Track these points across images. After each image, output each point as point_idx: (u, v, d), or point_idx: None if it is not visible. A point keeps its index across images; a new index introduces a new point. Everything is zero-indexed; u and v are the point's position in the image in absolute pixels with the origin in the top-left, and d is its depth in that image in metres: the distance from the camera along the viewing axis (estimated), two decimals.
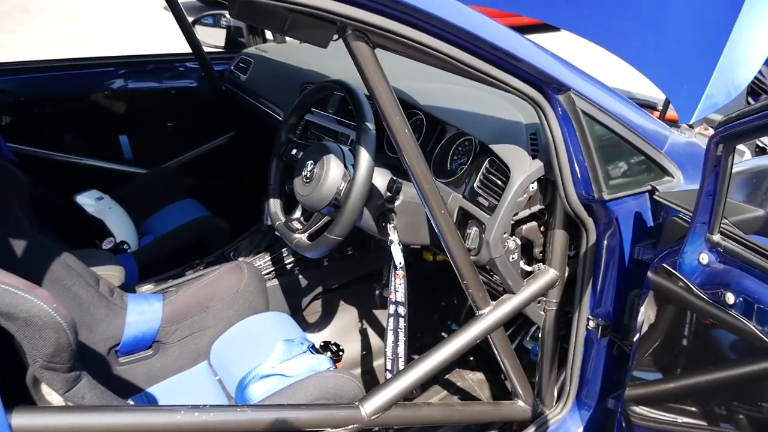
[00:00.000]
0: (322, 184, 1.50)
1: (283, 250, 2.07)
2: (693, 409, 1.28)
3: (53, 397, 1.06)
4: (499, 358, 1.55)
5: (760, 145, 2.06)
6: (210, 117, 2.75)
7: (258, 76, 2.49)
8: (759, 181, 1.25)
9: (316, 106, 1.78)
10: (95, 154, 2.55)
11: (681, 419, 1.32)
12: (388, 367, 1.62)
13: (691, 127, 1.84)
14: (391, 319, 1.59)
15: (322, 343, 1.97)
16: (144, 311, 1.67)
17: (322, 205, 1.52)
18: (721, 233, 1.18)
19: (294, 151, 1.69)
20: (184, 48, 2.60)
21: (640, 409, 1.41)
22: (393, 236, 1.54)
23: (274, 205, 1.73)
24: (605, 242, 1.46)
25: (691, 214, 1.29)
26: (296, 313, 2.10)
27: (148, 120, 2.64)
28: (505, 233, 1.42)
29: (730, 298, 1.12)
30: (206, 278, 1.77)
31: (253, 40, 2.75)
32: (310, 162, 1.56)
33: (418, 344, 2.28)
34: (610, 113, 1.36)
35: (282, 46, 2.68)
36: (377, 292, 2.28)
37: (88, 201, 2.14)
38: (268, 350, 1.67)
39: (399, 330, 1.59)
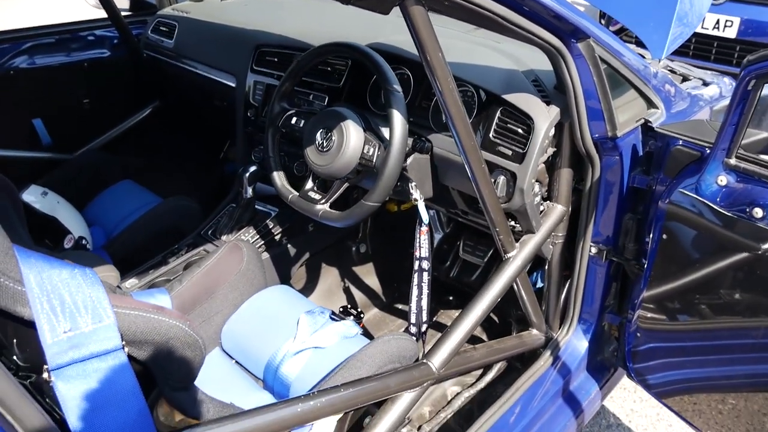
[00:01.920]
0: (344, 152, 1.48)
1: (268, 221, 2.01)
2: (708, 315, 1.46)
3: (172, 419, 1.01)
4: (519, 294, 1.65)
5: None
6: (129, 88, 2.54)
7: (188, 40, 2.33)
8: (763, 108, 1.41)
9: (307, 72, 1.71)
10: (8, 143, 2.27)
11: (693, 324, 1.50)
12: (412, 320, 1.67)
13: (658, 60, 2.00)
14: (416, 275, 1.63)
15: (341, 309, 1.97)
16: None
17: (345, 173, 1.51)
18: (738, 156, 1.33)
19: (294, 120, 1.64)
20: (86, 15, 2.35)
21: (653, 317, 1.58)
22: (415, 194, 1.56)
23: (280, 178, 1.68)
24: (608, 175, 1.58)
25: (698, 145, 1.44)
26: (285, 282, 2.07)
27: (61, 99, 2.38)
28: (533, 180, 1.49)
29: (758, 212, 1.28)
30: (207, 263, 1.69)
31: (166, 1, 2.53)
32: (322, 130, 1.53)
33: (396, 293, 2.35)
34: (618, 57, 1.45)
35: (203, 5, 2.50)
36: (353, 248, 2.29)
37: (33, 198, 1.93)
38: (289, 326, 1.65)
39: (423, 284, 1.64)
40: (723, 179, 1.35)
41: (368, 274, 2.35)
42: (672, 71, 2.22)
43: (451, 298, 2.30)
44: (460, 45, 1.75)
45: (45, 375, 0.78)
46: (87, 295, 0.83)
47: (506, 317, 2.11)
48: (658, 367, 1.65)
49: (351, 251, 2.30)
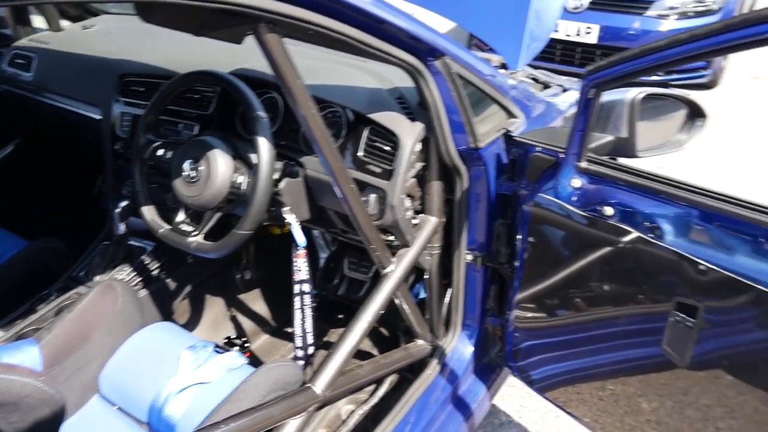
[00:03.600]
0: (213, 181, 1.46)
1: (144, 257, 1.94)
2: (578, 307, 1.55)
3: None
4: (401, 307, 1.68)
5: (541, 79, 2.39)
6: None
7: (48, 72, 2.21)
8: (606, 112, 1.51)
9: (171, 102, 1.67)
10: None
11: (565, 318, 1.58)
12: (298, 344, 1.67)
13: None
14: (298, 298, 1.63)
15: (225, 340, 1.92)
16: (21, 361, 1.48)
17: (216, 203, 1.48)
18: (587, 160, 1.42)
19: (161, 152, 1.59)
20: None
21: (528, 316, 1.65)
22: (290, 218, 1.56)
23: (150, 212, 1.63)
24: (475, 185, 1.64)
25: (553, 150, 1.53)
26: (168, 318, 2.00)
27: None
28: (402, 195, 1.53)
29: (608, 210, 1.38)
30: (78, 307, 1.61)
31: (23, 31, 2.40)
32: (189, 161, 1.50)
33: (285, 318, 2.32)
34: (475, 72, 1.52)
35: (63, 35, 2.39)
36: (238, 276, 2.25)
37: None
38: (171, 364, 1.60)
39: (305, 307, 1.64)
40: (576, 182, 1.43)
41: (255, 301, 2.31)
42: (535, 79, 2.34)
43: (340, 316, 2.31)
44: (326, 66, 1.76)
45: None
46: None
47: (395, 330, 2.14)
48: (539, 362, 1.72)
49: (235, 279, 2.26)
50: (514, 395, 2.33)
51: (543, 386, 1.74)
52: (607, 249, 1.42)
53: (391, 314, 2.03)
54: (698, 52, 1.08)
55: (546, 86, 2.32)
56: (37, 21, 2.48)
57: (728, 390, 1.30)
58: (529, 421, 2.22)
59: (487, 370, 1.94)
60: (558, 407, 1.72)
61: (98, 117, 2.05)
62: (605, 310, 1.50)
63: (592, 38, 4.74)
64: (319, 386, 1.38)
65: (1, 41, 2.43)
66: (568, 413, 1.70)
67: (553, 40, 4.82)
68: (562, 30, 4.78)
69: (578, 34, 4.76)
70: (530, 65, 2.47)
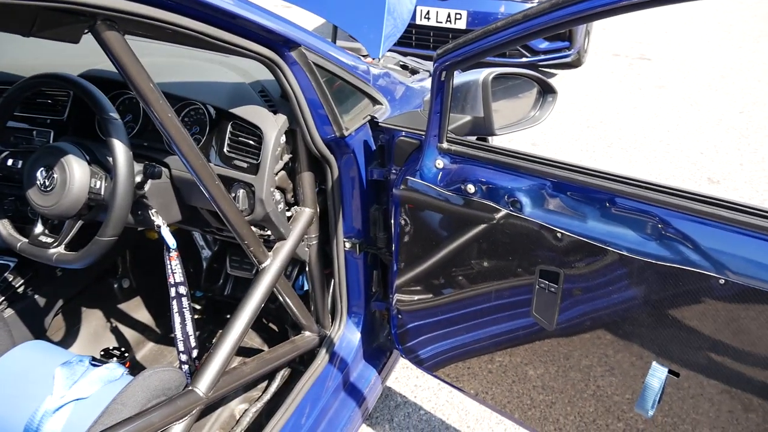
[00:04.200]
0: (70, 189, 1.39)
1: (6, 274, 1.82)
2: (454, 284, 1.61)
3: None
4: (283, 300, 1.68)
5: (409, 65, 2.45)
6: None
7: None
8: (462, 94, 1.57)
9: (14, 110, 1.57)
10: None
11: (445, 297, 1.64)
12: (180, 348, 1.63)
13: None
14: (175, 302, 1.59)
15: (102, 352, 1.84)
16: None
17: (75, 211, 1.42)
18: (448, 140, 1.47)
19: (10, 162, 1.50)
20: None
21: (409, 299, 1.70)
22: (158, 221, 1.52)
23: (4, 226, 1.53)
24: (346, 173, 1.66)
25: (417, 134, 1.57)
26: (41, 336, 1.89)
27: None
28: (271, 188, 1.52)
29: (471, 188, 1.43)
30: None
31: None
32: (42, 168, 1.42)
33: (169, 323, 2.25)
34: (333, 61, 1.53)
35: None
36: (116, 285, 2.16)
37: None
38: (45, 384, 1.52)
39: (184, 309, 1.60)
40: (440, 162, 1.48)
41: (136, 309, 2.24)
42: (404, 66, 2.39)
43: (228, 316, 2.27)
44: (183, 62, 1.72)
45: None
46: None
47: (283, 324, 2.14)
48: (425, 342, 1.77)
49: (113, 288, 2.17)
50: (408, 376, 2.38)
51: (432, 365, 1.79)
52: (474, 225, 1.48)
53: (278, 309, 2.03)
54: (532, 30, 1.14)
55: (414, 72, 2.38)
56: None
57: (606, 349, 1.39)
58: (423, 399, 2.29)
59: (378, 355, 1.97)
60: (447, 384, 1.78)
61: None
62: (480, 284, 1.56)
63: (462, 24, 4.89)
64: (202, 387, 1.36)
65: None
66: (458, 389, 1.76)
67: (425, 27, 4.93)
68: (432, 17, 4.90)
69: (449, 20, 4.89)
70: (403, 53, 2.53)
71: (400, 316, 1.76)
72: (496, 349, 1.66)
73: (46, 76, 1.47)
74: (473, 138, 1.61)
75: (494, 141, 2.20)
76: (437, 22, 4.92)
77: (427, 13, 4.87)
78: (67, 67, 1.58)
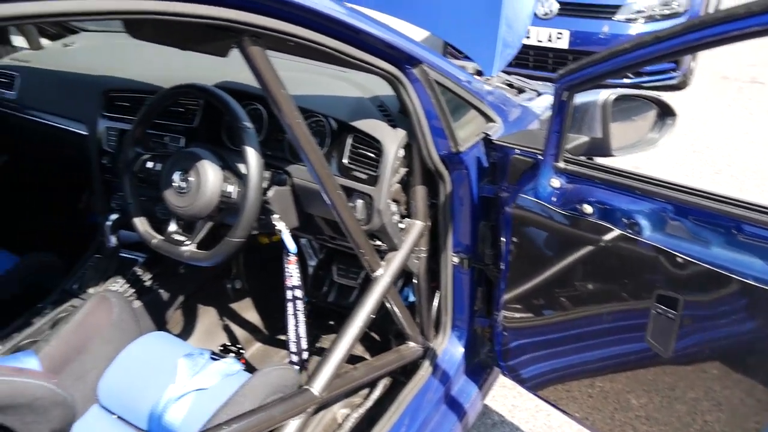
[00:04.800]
0: (203, 191, 1.50)
1: (136, 268, 1.97)
2: (563, 305, 1.60)
3: None
4: (392, 310, 1.73)
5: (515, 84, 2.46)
6: None
7: (32, 90, 2.23)
8: (580, 114, 1.57)
9: (158, 116, 1.71)
10: None
11: (552, 317, 1.64)
12: (293, 349, 1.70)
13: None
14: (290, 304, 1.67)
15: (221, 347, 1.95)
16: None
17: (206, 212, 1.52)
18: (564, 160, 1.48)
19: (150, 165, 1.63)
20: None
21: (515, 316, 1.71)
22: (279, 225, 1.60)
23: (142, 224, 1.66)
24: (458, 188, 1.69)
25: (532, 152, 1.59)
26: (162, 328, 2.03)
27: None
28: (388, 200, 1.57)
29: (587, 208, 1.43)
30: (74, 318, 1.63)
31: (3, 51, 2.42)
32: (179, 172, 1.53)
33: (278, 325, 2.36)
34: (452, 79, 1.57)
35: (44, 53, 2.41)
36: (229, 286, 2.29)
37: None
38: (168, 372, 1.63)
39: (298, 312, 1.68)
40: (555, 182, 1.49)
41: (247, 310, 2.35)
42: (510, 85, 2.40)
43: (331, 322, 2.34)
44: (308, 77, 1.81)
45: None
46: None
47: (386, 334, 2.18)
48: (528, 361, 1.77)
49: (226, 289, 2.29)
50: (506, 395, 2.38)
51: (533, 384, 1.79)
52: (588, 246, 1.47)
53: (381, 319, 2.07)
54: (662, 53, 1.14)
55: (521, 91, 2.39)
56: (17, 40, 2.50)
57: (714, 383, 1.35)
58: (521, 420, 2.27)
59: (478, 371, 1.98)
60: (549, 404, 1.77)
61: (84, 132, 2.07)
62: (590, 306, 1.55)
63: (564, 43, 4.84)
64: (317, 388, 1.42)
65: None
66: (560, 410, 1.74)
67: (525, 46, 4.91)
68: (533, 36, 4.89)
69: (550, 40, 4.86)
70: (505, 71, 2.55)
71: (504, 333, 1.76)
72: (598, 373, 1.64)
73: (187, 87, 1.58)
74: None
75: (597, 161, 2.18)
76: (538, 41, 4.90)
77: (528, 31, 4.86)
78: (195, 79, 1.70)
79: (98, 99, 2.02)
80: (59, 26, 2.58)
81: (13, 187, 2.50)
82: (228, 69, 1.91)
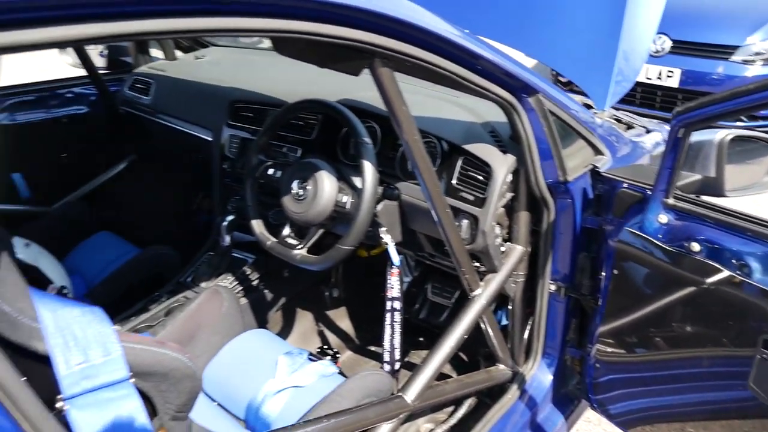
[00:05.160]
0: (318, 201, 1.59)
1: (245, 268, 2.10)
2: (660, 344, 1.59)
3: None
4: (485, 330, 1.76)
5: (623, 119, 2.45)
6: (106, 143, 2.63)
7: (165, 96, 2.44)
8: (695, 152, 1.57)
9: (282, 127, 1.84)
10: None
11: (649, 354, 1.62)
12: (386, 359, 1.76)
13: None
14: (389, 315, 1.73)
15: (318, 350, 2.05)
16: None
17: (320, 219, 1.62)
18: (675, 197, 1.48)
19: (271, 171, 1.75)
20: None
21: (610, 350, 1.70)
22: (386, 238, 1.68)
23: (258, 225, 1.78)
24: (562, 217, 1.72)
25: (640, 186, 1.60)
26: (263, 326, 2.14)
27: (40, 154, 2.46)
28: (493, 222, 1.62)
29: (695, 246, 1.43)
30: (189, 307, 1.76)
31: (142, 60, 2.66)
32: (298, 180, 1.64)
33: (369, 336, 2.43)
34: (566, 110, 1.61)
35: (178, 64, 2.63)
36: (327, 293, 2.39)
37: (17, 249, 1.98)
38: (268, 367, 1.72)
39: (395, 323, 1.74)
40: (663, 218, 1.49)
41: (341, 318, 2.44)
42: (618, 120, 2.40)
43: (421, 339, 2.39)
44: (424, 100, 1.89)
45: (59, 404, 0.85)
46: (96, 330, 0.91)
47: (475, 356, 2.21)
48: (618, 397, 1.76)
49: (324, 296, 2.39)
50: (590, 430, 2.35)
51: (622, 421, 1.77)
52: (692, 285, 1.46)
53: (472, 340, 2.11)
54: None
55: (629, 127, 2.39)
56: (155, 51, 2.73)
57: None
58: None
59: (565, 401, 1.98)
60: None
61: (209, 138, 2.24)
62: (689, 347, 1.52)
63: (674, 82, 4.74)
64: (409, 396, 1.47)
65: (124, 68, 2.69)
66: None
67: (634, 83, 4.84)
68: (642, 73, 4.80)
69: (659, 78, 4.77)
70: (613, 107, 2.54)
71: (596, 366, 1.76)
72: (693, 418, 1.61)
73: (315, 101, 1.70)
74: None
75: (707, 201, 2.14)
76: (647, 78, 4.82)
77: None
78: (312, 95, 1.82)
79: (224, 109, 2.18)
80: (192, 40, 2.79)
81: (137, 184, 2.72)
82: (345, 88, 2.03)
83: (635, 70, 1.96)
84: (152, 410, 1.03)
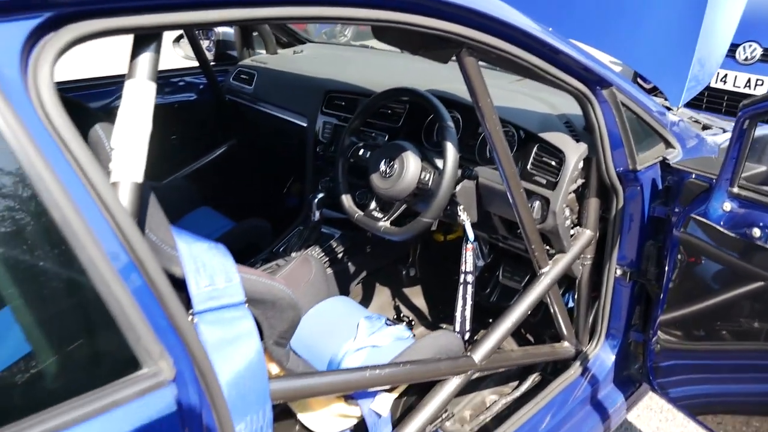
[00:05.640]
0: (404, 178, 1.77)
1: (332, 242, 2.31)
2: (722, 331, 1.67)
3: (269, 371, 1.27)
4: (551, 308, 1.89)
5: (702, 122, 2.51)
6: (211, 128, 2.90)
7: (265, 86, 2.68)
8: (761, 145, 1.65)
9: (374, 112, 2.04)
10: None
11: (712, 344, 1.70)
12: (456, 328, 1.91)
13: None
14: (461, 287, 1.88)
15: (394, 317, 2.23)
16: None
17: (404, 195, 1.79)
18: (739, 186, 1.57)
19: (362, 152, 1.94)
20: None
21: (671, 336, 1.79)
22: (463, 216, 1.83)
23: (347, 200, 1.97)
24: (631, 205, 1.82)
25: (707, 176, 1.69)
26: (345, 295, 2.34)
27: (154, 134, 2.73)
28: (564, 205, 1.75)
29: (757, 232, 1.51)
30: (280, 272, 1.97)
31: (247, 53, 2.92)
32: (385, 159, 1.82)
33: (441, 315, 2.59)
34: (637, 102, 1.72)
35: (278, 57, 2.88)
36: (404, 272, 2.56)
37: None
38: (350, 329, 1.90)
39: (467, 296, 1.89)
40: (727, 205, 1.58)
41: (416, 296, 2.60)
42: (696, 121, 2.47)
43: (491, 320, 2.52)
44: (504, 93, 2.03)
45: (189, 318, 1.05)
46: (220, 261, 1.11)
47: (540, 336, 2.33)
48: (679, 382, 1.84)
49: (401, 274, 2.56)
50: (651, 417, 2.42)
51: (682, 405, 1.85)
52: (753, 270, 1.54)
53: (538, 323, 2.23)
54: None
55: (706, 127, 2.45)
56: (257, 45, 2.99)
57: None
58: None
59: (627, 382, 2.07)
60: (699, 424, 1.81)
61: (304, 124, 2.46)
62: (750, 334, 1.60)
63: (763, 91, 4.65)
64: (477, 356, 1.63)
65: (230, 60, 2.96)
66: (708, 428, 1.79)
67: (720, 91, 4.79)
68: (730, 81, 4.74)
69: (747, 86, 4.69)
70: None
71: (658, 350, 1.85)
72: (755, 410, 1.68)
73: (405, 89, 1.88)
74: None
75: None
76: (734, 86, 4.75)
77: (725, 76, 4.73)
78: (394, 86, 1.99)
79: (319, 98, 2.39)
80: (291, 36, 3.04)
81: (236, 165, 2.98)
82: (429, 80, 2.20)
83: (710, 72, 2.04)
84: (259, 334, 1.22)
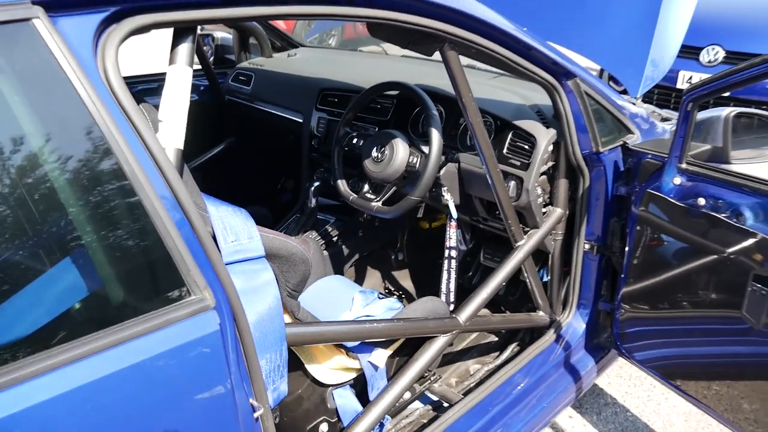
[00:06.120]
0: (394, 162, 1.98)
1: (327, 227, 2.51)
2: (678, 298, 1.89)
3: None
4: (527, 280, 2.10)
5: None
6: (211, 127, 3.09)
7: (263, 86, 2.89)
8: (705, 126, 1.89)
9: (366, 105, 2.25)
10: None
11: (669, 310, 1.92)
12: (443, 299, 2.12)
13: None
14: (446, 261, 2.09)
15: (386, 291, 2.43)
16: None
17: (394, 178, 2.00)
18: (687, 162, 1.80)
19: (355, 140, 2.15)
20: None
21: (633, 306, 2.01)
22: (447, 196, 2.05)
23: (343, 184, 2.18)
24: (596, 185, 2.04)
25: (661, 156, 1.91)
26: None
27: None
28: (536, 183, 1.97)
29: (702, 201, 1.74)
30: None
31: (244, 57, 3.13)
32: (377, 146, 2.03)
33: (427, 294, 2.78)
34: (599, 92, 1.95)
35: (274, 60, 3.09)
36: (392, 256, 2.77)
37: None
38: (346, 302, 2.10)
39: (451, 269, 2.10)
40: (677, 179, 1.81)
41: (403, 278, 2.81)
42: (658, 115, 2.70)
43: None
44: (483, 88, 2.26)
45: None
46: (243, 221, 1.31)
47: (519, 310, 2.55)
48: (642, 347, 2.06)
49: (390, 258, 2.77)
50: (620, 384, 2.64)
51: (649, 366, 2.05)
52: (699, 233, 1.77)
53: (516, 300, 2.44)
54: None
55: (665, 119, 2.69)
56: (254, 50, 3.20)
57: None
58: (631, 404, 2.53)
59: (597, 348, 2.29)
60: (662, 381, 2.03)
61: (300, 120, 2.67)
62: (707, 301, 1.82)
63: (726, 91, 4.91)
64: (462, 318, 1.83)
65: (228, 64, 3.16)
66: (672, 385, 2.00)
67: (678, 90, 5.05)
68: (694, 82, 5.00)
69: None
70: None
71: (623, 317, 2.06)
72: (706, 364, 1.90)
73: (394, 83, 2.09)
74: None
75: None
76: None
77: (690, 78, 5.00)
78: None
79: (314, 95, 2.60)
80: (285, 41, 3.26)
81: (236, 161, 3.18)
82: (416, 77, 2.42)
83: (666, 64, 2.28)
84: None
